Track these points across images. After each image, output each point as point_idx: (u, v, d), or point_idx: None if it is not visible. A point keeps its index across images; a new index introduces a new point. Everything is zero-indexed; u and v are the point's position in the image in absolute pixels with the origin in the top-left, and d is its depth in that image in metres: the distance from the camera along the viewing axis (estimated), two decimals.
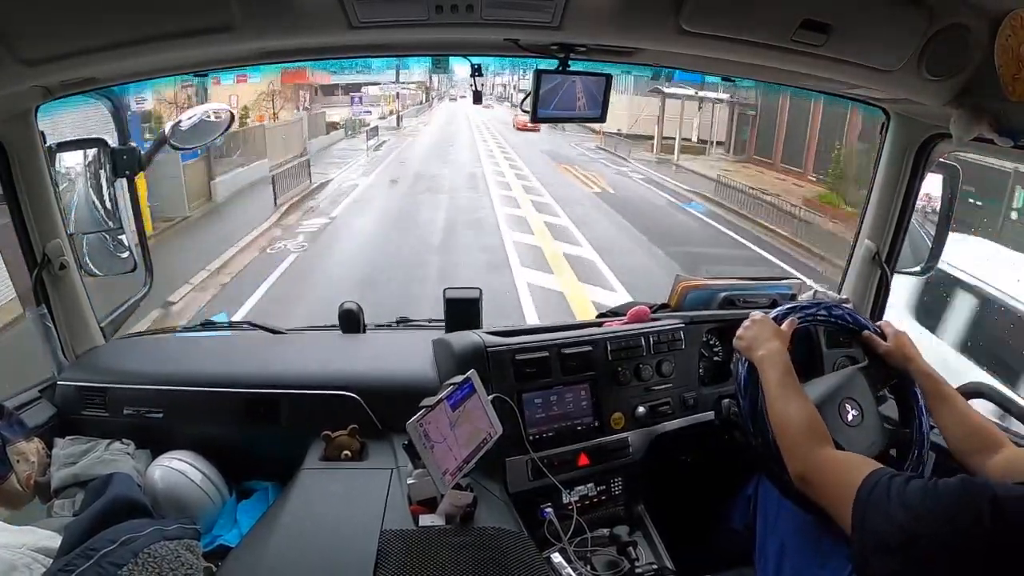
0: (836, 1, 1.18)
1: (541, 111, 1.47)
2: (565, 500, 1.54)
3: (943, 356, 3.62)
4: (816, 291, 1.91)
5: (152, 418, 1.64)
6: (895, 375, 1.39)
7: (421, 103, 46.47)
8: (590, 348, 1.68)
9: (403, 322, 2.15)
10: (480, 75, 1.70)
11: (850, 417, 1.33)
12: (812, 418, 1.18)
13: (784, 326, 1.36)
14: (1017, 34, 1.12)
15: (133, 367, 1.73)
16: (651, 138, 24.07)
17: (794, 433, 1.16)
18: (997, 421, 1.60)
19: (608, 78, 1.52)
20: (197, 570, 1.18)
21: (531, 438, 1.57)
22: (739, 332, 1.38)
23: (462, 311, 1.90)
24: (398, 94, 34.31)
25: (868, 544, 0.94)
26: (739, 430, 1.43)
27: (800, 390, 1.24)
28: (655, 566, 1.54)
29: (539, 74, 1.45)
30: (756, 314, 1.39)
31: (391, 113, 35.75)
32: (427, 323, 2.11)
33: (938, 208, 1.89)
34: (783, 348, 1.30)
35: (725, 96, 21.41)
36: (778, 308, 1.45)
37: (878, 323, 1.43)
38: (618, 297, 8.11)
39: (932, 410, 1.30)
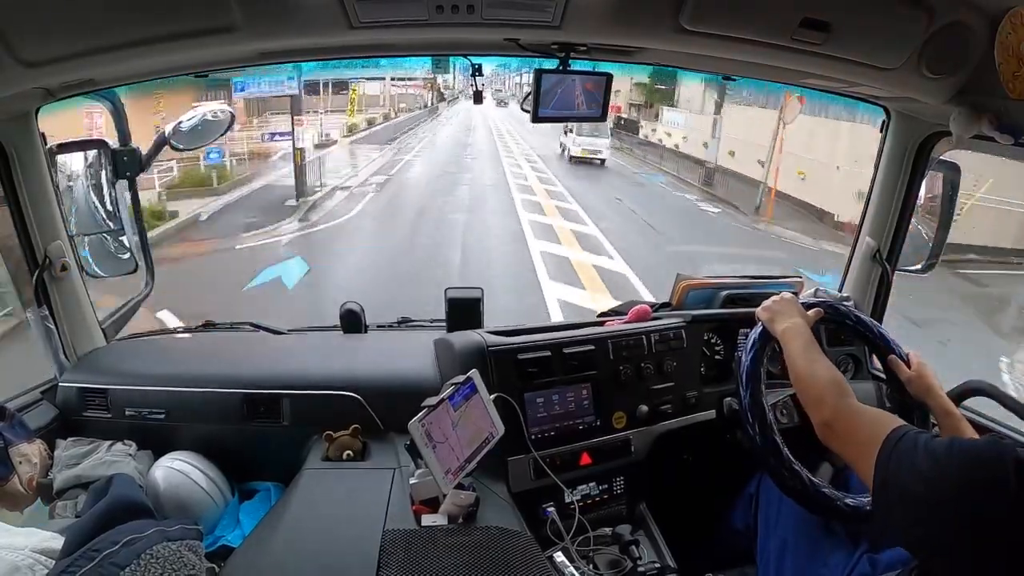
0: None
1: (541, 111, 1.48)
2: (567, 499, 1.54)
3: None
4: (817, 289, 1.92)
5: (154, 419, 1.64)
6: (911, 405, 1.41)
7: (426, 106, 32.68)
8: (592, 347, 1.68)
9: (404, 322, 2.15)
10: (480, 75, 1.70)
11: None
12: (838, 375, 1.21)
13: (811, 312, 1.40)
14: (1017, 31, 1.12)
15: (135, 368, 1.73)
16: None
17: (821, 385, 1.19)
18: (996, 420, 1.61)
19: (609, 77, 1.53)
20: (200, 571, 1.17)
21: (533, 437, 1.57)
22: (764, 304, 1.42)
23: (464, 311, 1.90)
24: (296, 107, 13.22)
25: (891, 494, 0.94)
26: (740, 428, 1.43)
27: (823, 355, 1.26)
28: (657, 565, 1.54)
29: (539, 74, 1.45)
30: (785, 293, 1.44)
31: (354, 131, 21.16)
32: (429, 323, 2.11)
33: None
34: (807, 325, 1.34)
35: None
36: (807, 296, 1.48)
37: (907, 352, 1.45)
38: None
39: None
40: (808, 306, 1.42)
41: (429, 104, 34.13)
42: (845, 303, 1.53)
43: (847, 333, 1.60)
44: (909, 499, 0.91)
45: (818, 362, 1.24)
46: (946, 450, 0.91)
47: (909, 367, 1.42)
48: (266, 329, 2.05)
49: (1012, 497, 0.83)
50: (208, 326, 2.14)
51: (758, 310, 1.43)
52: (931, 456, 0.91)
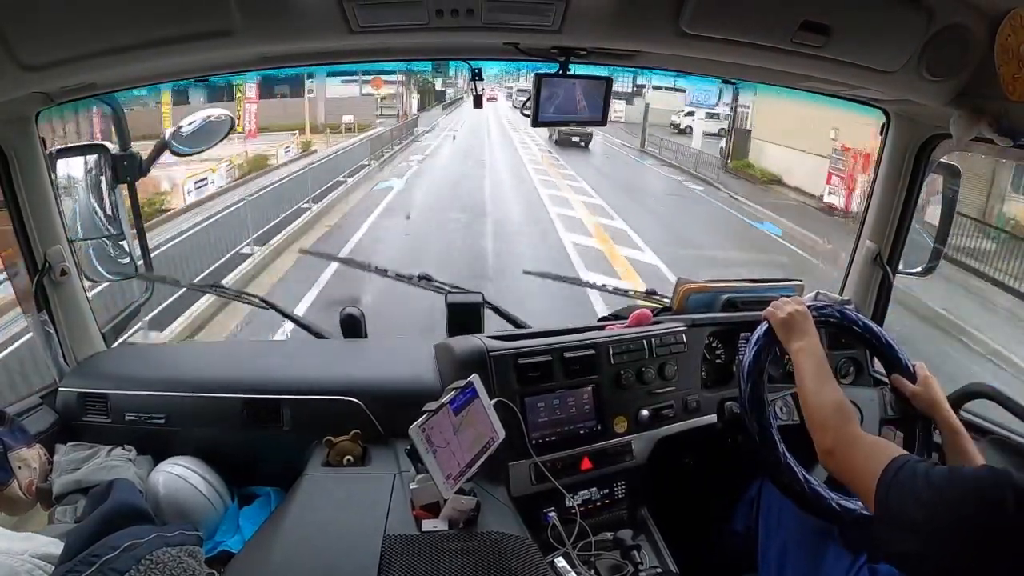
0: (836, 2, 1.19)
1: (542, 115, 1.48)
2: (568, 504, 1.53)
3: None
4: (818, 292, 1.91)
5: (154, 424, 1.63)
6: (915, 417, 1.41)
7: (406, 115, 21.14)
8: (592, 351, 1.67)
9: (424, 278, 2.05)
10: (480, 79, 1.70)
11: None
12: (844, 401, 1.22)
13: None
14: (1017, 33, 1.13)
15: (134, 373, 1.72)
16: None
17: (827, 411, 1.20)
18: (998, 423, 1.61)
19: (608, 81, 1.53)
20: None
21: (534, 442, 1.56)
22: (781, 317, 1.38)
23: (464, 316, 1.89)
24: None
25: (891, 522, 0.95)
26: (741, 430, 1.43)
27: (833, 378, 1.28)
28: (659, 570, 1.53)
29: (539, 78, 1.45)
30: (800, 306, 1.40)
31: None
32: (447, 287, 2.00)
33: None
34: (820, 344, 1.34)
35: None
36: (808, 299, 1.48)
37: (913, 363, 1.45)
38: None
39: (949, 463, 1.30)
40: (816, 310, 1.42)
41: (405, 114, 20.46)
42: (846, 306, 1.53)
43: (853, 339, 1.59)
44: (909, 527, 0.93)
45: (826, 384, 1.25)
46: (946, 479, 0.93)
47: (915, 378, 1.41)
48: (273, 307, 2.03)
49: (1010, 521, 0.84)
50: (217, 286, 2.11)
51: (768, 310, 1.42)
52: (931, 485, 0.92)
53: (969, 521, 0.87)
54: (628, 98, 26.17)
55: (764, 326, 1.41)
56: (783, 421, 1.41)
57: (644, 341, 1.73)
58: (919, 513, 0.91)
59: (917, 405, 1.39)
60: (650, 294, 2.14)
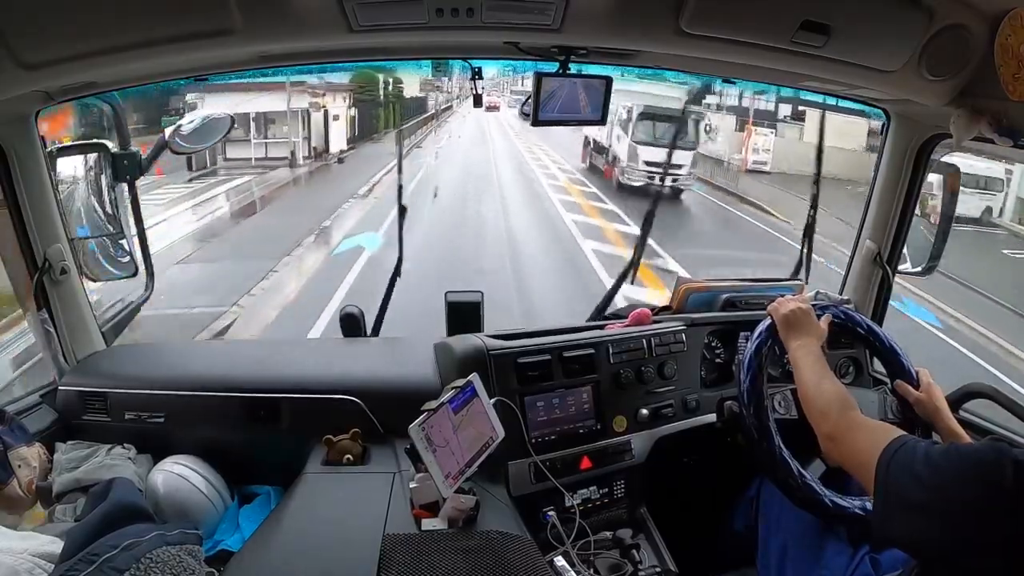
0: (836, 2, 1.19)
1: (542, 114, 1.48)
2: (568, 503, 1.54)
3: None
4: (817, 292, 1.91)
5: (153, 422, 1.64)
6: (916, 423, 1.41)
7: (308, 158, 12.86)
8: (592, 351, 1.67)
9: None
10: (480, 78, 1.69)
11: None
12: (843, 391, 1.22)
13: (821, 321, 1.40)
14: (1017, 33, 1.13)
15: (134, 372, 1.72)
16: None
17: (826, 399, 1.20)
18: (997, 423, 1.61)
19: (609, 80, 1.52)
20: (199, 575, 1.17)
21: (533, 441, 1.56)
22: (783, 312, 1.40)
23: (464, 315, 1.90)
24: None
25: (891, 502, 0.95)
26: (740, 429, 1.43)
27: (831, 373, 1.28)
28: (658, 568, 1.53)
29: (539, 77, 1.45)
30: (802, 304, 1.41)
31: None
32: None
33: None
34: (819, 343, 1.35)
35: None
36: (821, 300, 1.47)
37: (917, 369, 1.45)
38: None
39: None
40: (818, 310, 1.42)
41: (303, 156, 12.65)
42: (847, 306, 1.53)
43: (856, 341, 1.59)
44: (908, 505, 0.92)
45: (826, 378, 1.25)
46: (944, 455, 0.92)
47: (918, 384, 1.41)
48: None
49: (1009, 495, 0.83)
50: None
51: (772, 305, 1.43)
52: (930, 462, 0.92)
53: (968, 496, 0.87)
54: (772, 123, 15.11)
55: (767, 321, 1.42)
56: (780, 415, 1.41)
57: (643, 340, 1.73)
58: (919, 492, 0.91)
59: (919, 411, 1.39)
60: None
